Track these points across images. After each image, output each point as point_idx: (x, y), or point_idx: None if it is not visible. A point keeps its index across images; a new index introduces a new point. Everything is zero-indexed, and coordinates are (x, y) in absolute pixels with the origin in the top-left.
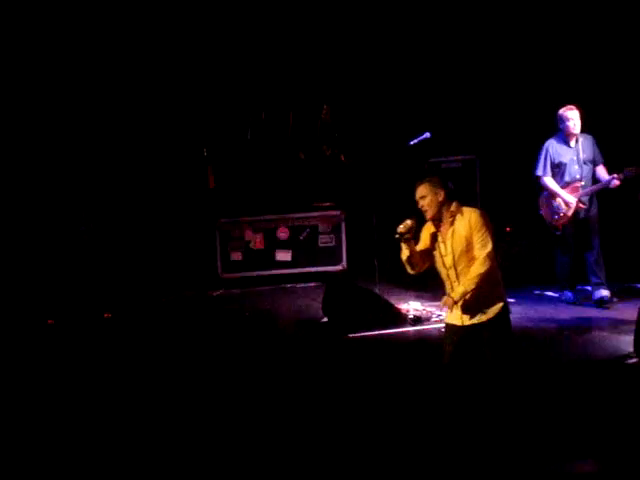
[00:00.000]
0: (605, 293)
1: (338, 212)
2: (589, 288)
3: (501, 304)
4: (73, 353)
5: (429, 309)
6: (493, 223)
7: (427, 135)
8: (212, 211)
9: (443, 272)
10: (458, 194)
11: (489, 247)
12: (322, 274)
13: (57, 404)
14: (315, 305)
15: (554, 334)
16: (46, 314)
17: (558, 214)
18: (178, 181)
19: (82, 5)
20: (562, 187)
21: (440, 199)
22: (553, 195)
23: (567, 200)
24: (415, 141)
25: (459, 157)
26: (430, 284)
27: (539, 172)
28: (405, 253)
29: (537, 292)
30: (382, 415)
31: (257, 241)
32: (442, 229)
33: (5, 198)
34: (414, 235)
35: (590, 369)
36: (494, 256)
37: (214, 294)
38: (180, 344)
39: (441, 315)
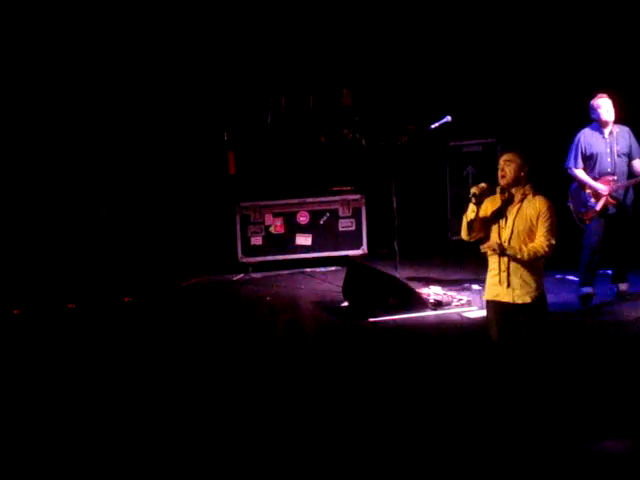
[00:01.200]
0: (623, 287)
1: (358, 196)
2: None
3: (541, 291)
4: (93, 337)
5: (450, 293)
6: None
7: (448, 119)
8: (232, 195)
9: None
10: (479, 178)
11: (554, 239)
12: (342, 258)
13: (73, 387)
14: (335, 289)
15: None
16: (67, 298)
17: (586, 207)
18: (199, 166)
19: None
20: (593, 179)
21: (522, 173)
22: (583, 187)
23: (598, 193)
24: (436, 125)
25: (480, 141)
26: (450, 268)
27: (570, 163)
28: (471, 215)
29: (559, 276)
30: (400, 400)
31: (277, 225)
32: (509, 204)
33: (26, 182)
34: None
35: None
36: (553, 249)
37: (234, 278)
38: (199, 328)
39: (462, 300)
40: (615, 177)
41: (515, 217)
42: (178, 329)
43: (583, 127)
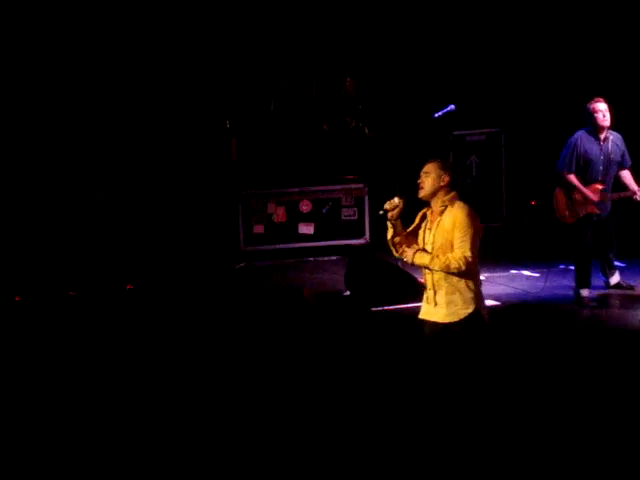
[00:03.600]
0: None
1: (361, 185)
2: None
3: (471, 310)
4: (95, 324)
5: None
6: (480, 220)
7: (452, 108)
8: (235, 184)
9: None
10: (483, 168)
11: (469, 251)
12: (345, 247)
13: (72, 376)
14: (338, 279)
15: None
16: (68, 285)
17: (570, 210)
18: (201, 153)
19: None
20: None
21: (442, 183)
22: (573, 191)
23: (587, 199)
24: (440, 114)
25: (484, 130)
26: None
27: (564, 168)
28: (389, 233)
29: (562, 267)
30: (402, 390)
31: (280, 214)
32: (431, 216)
33: (27, 169)
34: (403, 216)
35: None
36: (471, 261)
37: (236, 267)
38: (202, 316)
39: None
40: (604, 186)
41: (435, 231)
42: (179, 317)
43: (577, 130)
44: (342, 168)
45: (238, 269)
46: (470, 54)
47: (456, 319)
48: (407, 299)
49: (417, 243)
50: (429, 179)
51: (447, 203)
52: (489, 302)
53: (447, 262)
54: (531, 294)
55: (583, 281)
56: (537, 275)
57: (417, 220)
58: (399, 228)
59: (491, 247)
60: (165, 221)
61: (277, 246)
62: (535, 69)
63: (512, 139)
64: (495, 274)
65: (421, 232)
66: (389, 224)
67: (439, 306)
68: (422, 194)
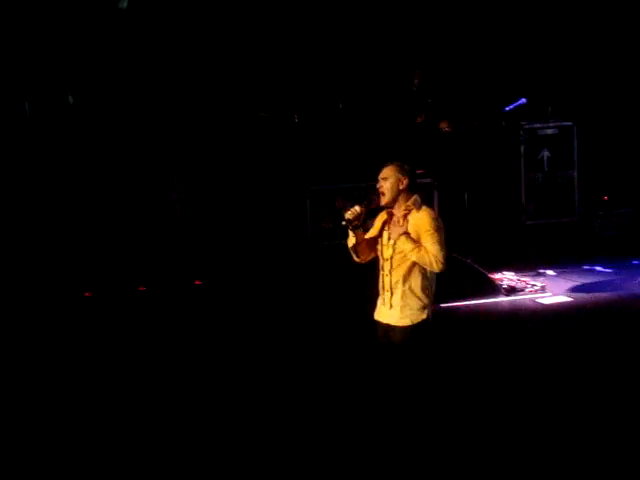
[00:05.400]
0: None
1: (430, 180)
2: None
3: (425, 316)
4: (164, 318)
5: (523, 279)
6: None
7: (523, 101)
8: (303, 179)
9: (380, 261)
10: (555, 162)
11: (443, 252)
12: None
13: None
14: None
15: None
16: (138, 281)
17: None
18: (269, 149)
19: None
20: None
21: (401, 187)
22: None
23: None
24: (511, 107)
25: (556, 123)
26: (524, 253)
27: None
28: (351, 241)
29: (635, 262)
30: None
31: (348, 209)
32: (392, 219)
33: (99, 165)
34: (364, 222)
35: None
36: (444, 265)
37: (302, 262)
38: (272, 312)
39: (536, 285)
40: None
41: (396, 234)
42: (248, 312)
43: None
44: (410, 163)
45: (304, 264)
46: (542, 46)
47: (409, 323)
48: (478, 295)
49: (377, 248)
50: (387, 184)
51: (411, 207)
52: (562, 298)
53: (425, 256)
54: (604, 290)
55: None
56: (609, 271)
57: (377, 224)
58: (361, 236)
59: (563, 242)
60: (234, 218)
61: (345, 241)
62: (607, 60)
63: (585, 132)
64: (567, 270)
65: (382, 234)
66: (351, 233)
67: (394, 309)
68: (384, 201)
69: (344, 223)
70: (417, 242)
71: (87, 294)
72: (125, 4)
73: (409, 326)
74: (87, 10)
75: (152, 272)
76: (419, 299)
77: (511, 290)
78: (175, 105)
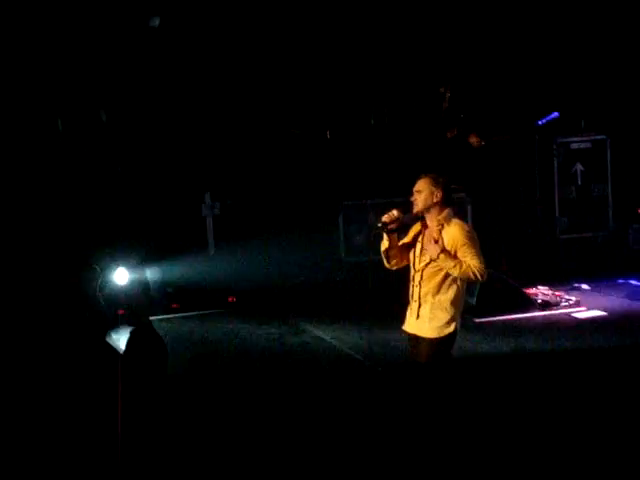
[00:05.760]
0: None
1: (463, 195)
2: None
3: (452, 329)
4: (199, 334)
5: (558, 293)
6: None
7: (556, 115)
8: (336, 194)
9: (411, 272)
10: (588, 176)
11: (482, 263)
12: None
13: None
14: None
15: None
16: (173, 298)
17: None
18: (303, 164)
19: None
20: None
21: (435, 200)
22: None
23: None
24: (543, 121)
25: (589, 137)
26: (558, 267)
27: None
28: (384, 244)
29: (621, 281)
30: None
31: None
32: (426, 231)
33: (130, 183)
34: (399, 230)
35: None
36: (485, 275)
37: (337, 278)
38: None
39: (571, 300)
40: None
41: (433, 248)
42: (278, 328)
43: None
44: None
45: (339, 280)
46: (575, 60)
47: (436, 335)
48: (513, 309)
49: (409, 257)
50: (422, 196)
51: (443, 222)
52: (596, 312)
53: (468, 270)
54: (639, 303)
55: None
56: None
57: (411, 234)
58: (395, 241)
59: (597, 256)
60: (267, 233)
61: (378, 257)
62: None
63: (618, 146)
64: (601, 283)
65: (415, 245)
66: (385, 236)
67: (422, 319)
68: (416, 210)
69: (380, 225)
70: (456, 258)
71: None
72: (157, 22)
73: (435, 339)
74: (120, 28)
75: (186, 289)
76: (447, 312)
77: (545, 304)
78: (207, 122)
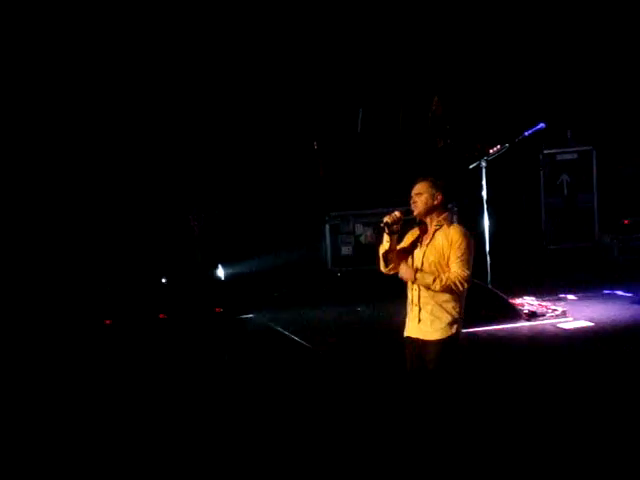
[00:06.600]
0: None
1: (450, 205)
2: None
3: (454, 331)
4: (186, 345)
5: (544, 303)
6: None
7: (542, 126)
8: (322, 205)
9: None
10: (574, 186)
11: (467, 270)
12: None
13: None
14: None
15: None
16: (158, 309)
17: None
18: (289, 175)
19: None
20: None
21: (435, 202)
22: None
23: None
24: (530, 132)
25: (575, 148)
26: (545, 278)
27: None
28: (385, 246)
29: (607, 292)
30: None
31: (368, 235)
32: (424, 234)
33: (120, 193)
34: (400, 232)
35: None
36: (469, 282)
37: (324, 287)
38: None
39: (557, 310)
40: None
41: (427, 248)
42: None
43: None
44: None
45: (325, 290)
46: (561, 71)
47: (439, 337)
48: (498, 320)
49: (407, 260)
50: (422, 198)
51: (442, 223)
52: (583, 323)
53: (448, 282)
54: (624, 314)
55: None
56: (630, 295)
57: (409, 237)
58: (394, 243)
59: (583, 267)
60: (253, 242)
61: (365, 268)
62: (627, 85)
63: (604, 157)
64: (587, 294)
65: (413, 248)
66: (386, 237)
67: (423, 322)
68: (416, 212)
69: (382, 225)
70: (434, 272)
71: (107, 322)
72: None
73: (440, 340)
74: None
75: (173, 300)
76: (449, 313)
77: (532, 315)
78: (193, 137)
